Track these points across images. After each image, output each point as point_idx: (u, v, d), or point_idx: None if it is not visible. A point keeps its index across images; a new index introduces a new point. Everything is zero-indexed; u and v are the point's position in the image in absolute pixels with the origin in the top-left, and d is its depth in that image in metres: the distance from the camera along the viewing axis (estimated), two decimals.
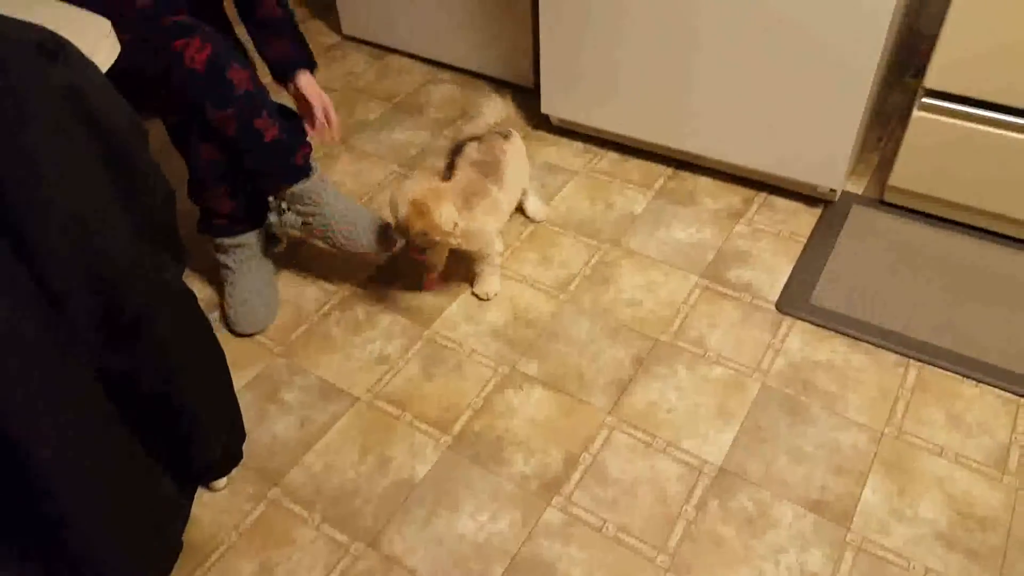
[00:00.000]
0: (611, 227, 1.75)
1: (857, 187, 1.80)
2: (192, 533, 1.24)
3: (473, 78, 2.27)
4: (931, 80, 1.51)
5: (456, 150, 1.61)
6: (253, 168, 1.45)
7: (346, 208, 1.53)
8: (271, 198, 1.61)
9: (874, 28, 1.45)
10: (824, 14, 1.47)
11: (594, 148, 1.98)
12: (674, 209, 1.78)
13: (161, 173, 0.99)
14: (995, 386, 1.36)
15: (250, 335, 1.56)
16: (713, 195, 1.81)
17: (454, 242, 1.49)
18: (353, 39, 2.47)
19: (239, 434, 1.23)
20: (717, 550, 1.17)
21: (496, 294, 1.61)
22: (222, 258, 1.58)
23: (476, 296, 1.60)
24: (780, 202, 1.78)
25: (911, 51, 2.05)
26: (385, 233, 1.55)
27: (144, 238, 0.95)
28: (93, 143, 0.87)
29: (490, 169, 1.53)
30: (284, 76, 1.54)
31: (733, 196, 1.81)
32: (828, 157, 1.65)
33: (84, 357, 0.89)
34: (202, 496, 1.29)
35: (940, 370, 1.40)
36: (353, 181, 1.92)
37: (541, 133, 2.04)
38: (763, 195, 1.80)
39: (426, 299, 1.61)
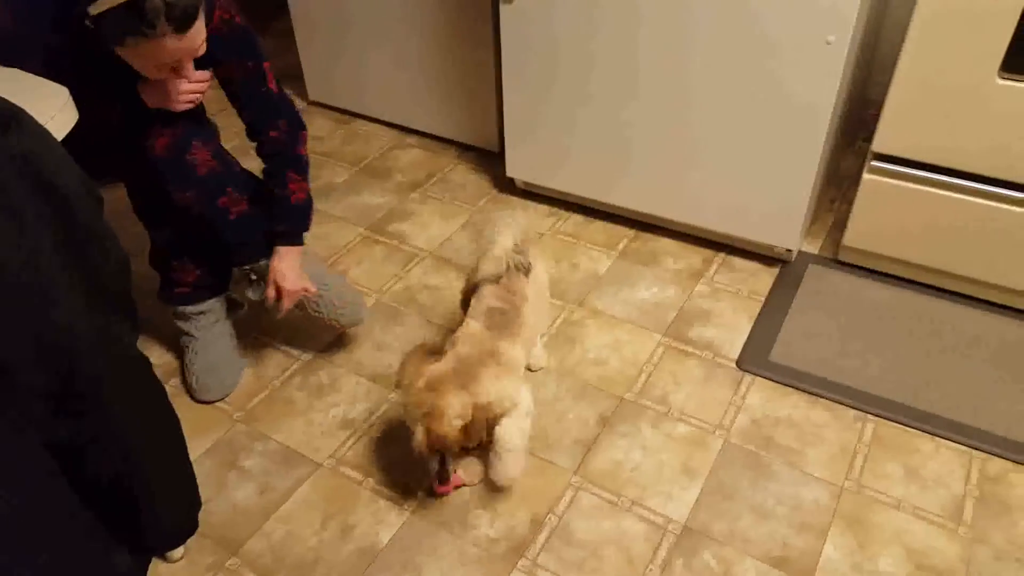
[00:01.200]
0: (576, 287, 1.80)
1: (813, 247, 1.89)
2: None
3: (440, 142, 2.35)
4: (878, 144, 1.61)
5: (472, 291, 1.44)
6: (222, 243, 1.47)
7: (318, 275, 1.54)
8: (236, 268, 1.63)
9: (823, 95, 1.54)
10: (776, 83, 1.57)
11: (559, 211, 2.05)
12: (637, 269, 1.85)
13: (115, 239, 1.01)
14: (949, 439, 1.42)
15: (212, 402, 1.57)
16: (674, 255, 1.88)
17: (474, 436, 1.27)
18: (319, 104, 2.55)
19: (195, 502, 1.23)
20: None
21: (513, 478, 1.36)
22: (183, 325, 1.60)
23: (495, 485, 1.37)
24: (739, 262, 1.85)
25: (862, 116, 2.17)
26: (353, 300, 1.58)
27: (97, 305, 0.96)
28: (44, 210, 0.88)
29: (506, 322, 1.35)
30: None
31: (694, 256, 1.88)
32: (783, 219, 1.73)
33: (32, 428, 0.90)
34: (158, 567, 1.27)
35: (897, 424, 1.45)
36: (321, 244, 1.96)
37: (506, 196, 2.11)
38: (722, 255, 1.88)
39: (391, 366, 1.63)
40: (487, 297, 1.38)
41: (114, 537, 1.05)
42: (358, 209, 2.09)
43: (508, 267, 1.39)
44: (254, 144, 1.44)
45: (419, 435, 1.22)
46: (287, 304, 1.47)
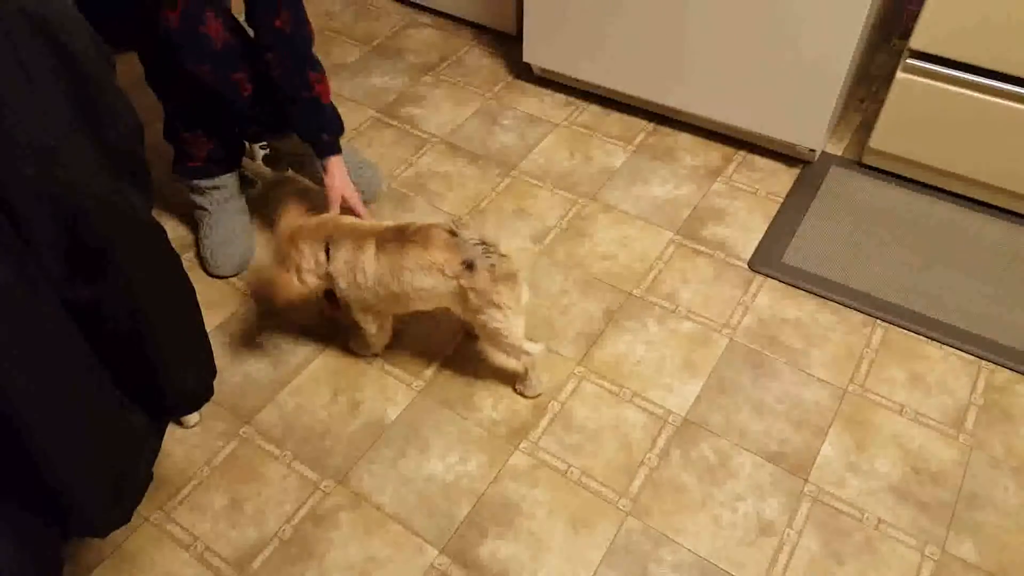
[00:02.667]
0: (589, 181, 1.76)
1: (837, 148, 1.82)
2: (165, 467, 1.26)
3: (454, 22, 2.24)
4: (917, 41, 1.53)
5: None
6: (236, 118, 1.44)
7: (352, 158, 1.51)
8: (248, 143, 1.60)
9: None
10: None
11: (576, 100, 1.98)
12: (653, 165, 1.80)
13: (129, 103, 0.99)
14: (958, 348, 1.41)
15: (226, 277, 1.57)
16: (692, 152, 1.83)
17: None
18: None
19: (210, 369, 1.25)
20: (677, 496, 1.22)
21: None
22: (198, 199, 1.58)
23: (522, 394, 1.38)
24: (759, 161, 1.80)
25: (898, 13, 2.05)
26: (375, 177, 1.54)
27: (110, 169, 0.94)
28: (58, 71, 0.86)
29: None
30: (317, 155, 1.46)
31: (713, 153, 1.82)
32: (809, 116, 1.67)
33: (50, 288, 0.90)
34: (174, 432, 1.31)
35: (905, 331, 1.45)
36: None
37: (522, 83, 2.03)
38: (743, 153, 1.82)
39: None
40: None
41: (131, 398, 1.08)
42: (368, 91, 2.02)
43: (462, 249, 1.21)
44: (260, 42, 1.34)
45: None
46: (362, 211, 1.45)
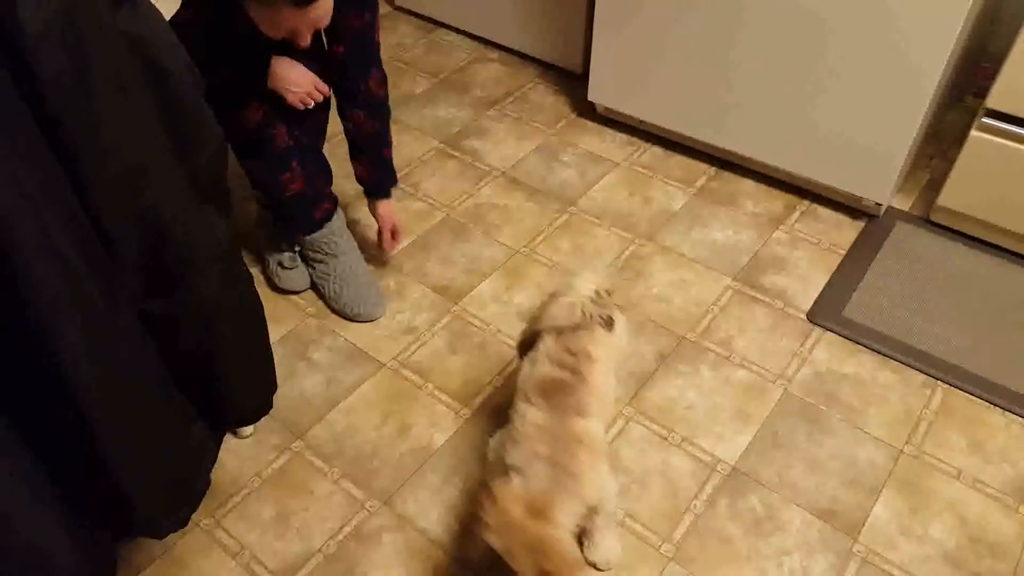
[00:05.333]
0: (647, 222, 1.80)
1: (903, 204, 1.83)
2: (217, 476, 1.32)
3: (521, 59, 2.32)
4: (993, 100, 1.54)
5: (529, 342, 1.22)
6: (272, 209, 1.59)
7: (349, 269, 1.61)
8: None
9: (940, 43, 1.47)
10: (890, 26, 1.50)
11: (638, 141, 2.02)
12: (713, 209, 1.82)
13: (215, 124, 1.05)
14: (1021, 415, 1.40)
15: (293, 293, 1.65)
16: (755, 198, 1.85)
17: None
18: (404, 10, 2.53)
19: (271, 385, 1.31)
20: (722, 547, 1.23)
21: (616, 559, 1.22)
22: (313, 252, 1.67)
23: (594, 566, 1.21)
24: (823, 212, 1.81)
25: (971, 72, 2.05)
26: (376, 301, 1.61)
27: (195, 190, 1.00)
28: (151, 90, 0.92)
29: (569, 395, 1.11)
30: (366, 194, 1.63)
31: (775, 201, 1.84)
32: (877, 170, 1.68)
33: (129, 302, 0.96)
34: (229, 442, 1.37)
35: (967, 395, 1.44)
36: (396, 154, 1.98)
37: (585, 121, 2.08)
38: (806, 203, 1.84)
39: (454, 280, 1.67)
40: (543, 360, 1.15)
41: (195, 408, 1.13)
42: (434, 121, 2.10)
43: (583, 316, 1.15)
44: (347, 99, 1.50)
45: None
46: (397, 241, 1.65)
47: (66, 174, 0.83)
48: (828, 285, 1.64)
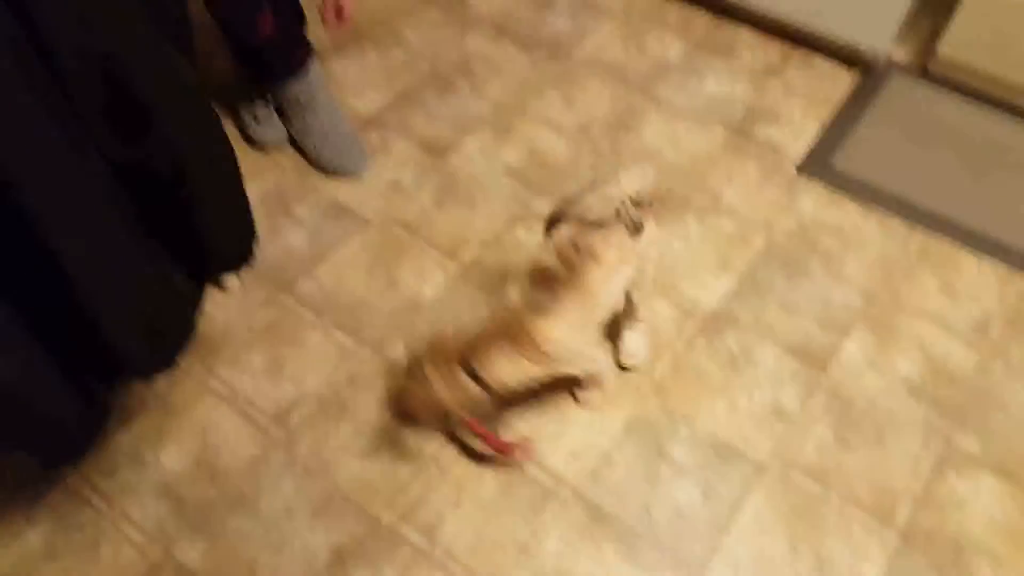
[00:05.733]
0: (642, 73, 1.90)
1: (902, 55, 1.93)
2: (207, 328, 1.49)
3: None
4: None
5: (553, 221, 1.26)
6: (245, 57, 1.65)
7: (328, 122, 1.69)
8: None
9: None
10: None
11: None
12: (708, 59, 1.93)
13: None
14: (993, 258, 1.57)
15: (268, 146, 1.76)
16: (751, 47, 1.95)
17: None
18: None
19: (250, 232, 1.42)
20: (698, 381, 1.42)
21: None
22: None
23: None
24: (819, 62, 1.92)
25: None
26: (359, 156, 1.71)
27: (155, 30, 1.07)
28: None
29: (548, 291, 1.19)
30: None
31: (772, 50, 1.95)
32: (877, 15, 1.77)
33: (96, 147, 1.04)
34: (216, 296, 1.53)
35: (944, 240, 1.61)
36: (374, 2, 2.06)
37: None
38: (803, 52, 1.94)
39: (442, 137, 1.80)
40: (549, 246, 1.22)
41: (175, 257, 1.27)
42: None
43: (615, 213, 1.19)
44: None
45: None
46: (345, 23, 1.59)
47: (15, 18, 0.89)
48: (819, 137, 1.77)
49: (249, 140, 1.77)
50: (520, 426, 1.37)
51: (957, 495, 1.30)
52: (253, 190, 1.66)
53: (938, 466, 1.33)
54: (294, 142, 1.77)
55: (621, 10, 2.04)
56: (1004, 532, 1.27)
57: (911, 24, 1.98)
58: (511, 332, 1.15)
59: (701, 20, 2.02)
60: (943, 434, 1.37)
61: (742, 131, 1.79)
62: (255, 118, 1.74)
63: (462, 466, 1.33)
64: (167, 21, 1.12)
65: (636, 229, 1.20)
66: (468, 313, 1.51)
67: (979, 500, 1.30)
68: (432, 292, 1.54)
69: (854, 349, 1.46)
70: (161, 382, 1.42)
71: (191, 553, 1.25)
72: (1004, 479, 1.32)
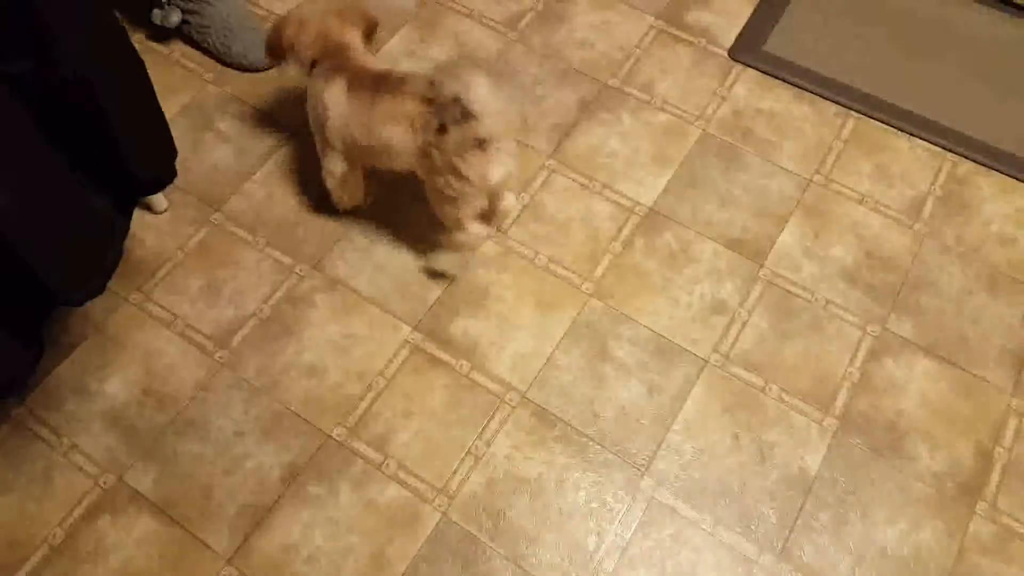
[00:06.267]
0: None
1: None
2: (138, 253, 1.37)
3: None
4: None
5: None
6: None
7: (231, 14, 1.51)
8: None
9: None
10: None
11: None
12: None
13: None
14: (926, 140, 1.50)
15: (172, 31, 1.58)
16: None
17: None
18: None
19: (169, 149, 1.30)
20: (638, 280, 1.35)
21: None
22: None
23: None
24: None
25: None
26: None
27: None
28: None
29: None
30: None
31: None
32: None
33: None
34: (144, 218, 1.40)
35: (877, 122, 1.52)
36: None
37: None
38: None
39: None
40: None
41: (93, 181, 1.14)
42: None
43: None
44: None
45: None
46: None
47: None
48: (750, 20, 1.65)
49: (154, 29, 1.59)
50: (463, 330, 1.29)
51: (893, 378, 1.28)
52: (171, 105, 1.52)
53: (873, 351, 1.30)
54: (198, 45, 1.59)
55: None
56: (938, 412, 1.25)
57: None
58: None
59: None
60: (878, 318, 1.33)
61: (674, 18, 1.65)
62: (159, 4, 1.56)
63: (410, 377, 1.26)
64: None
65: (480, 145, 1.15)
66: (403, 223, 1.40)
67: (913, 382, 1.27)
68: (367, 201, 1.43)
69: (790, 239, 1.40)
70: (98, 311, 1.32)
71: (144, 480, 1.18)
72: (936, 360, 1.30)
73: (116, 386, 1.26)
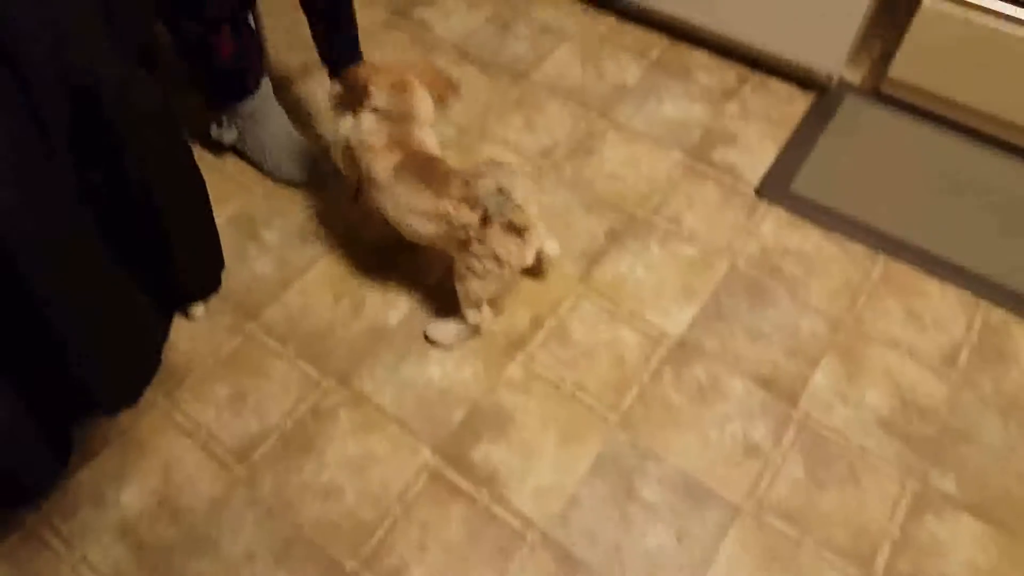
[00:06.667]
0: (601, 96, 1.62)
1: (855, 76, 1.67)
2: (170, 357, 1.21)
3: None
4: None
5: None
6: (201, 79, 1.37)
7: (283, 135, 1.43)
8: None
9: None
10: None
11: (592, 11, 1.81)
12: (666, 82, 1.65)
13: None
14: (957, 285, 1.33)
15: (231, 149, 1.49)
16: (708, 70, 1.68)
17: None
18: None
19: (218, 260, 1.19)
20: (666, 414, 1.16)
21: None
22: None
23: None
24: (775, 84, 1.66)
25: None
26: (312, 167, 1.44)
27: (122, 52, 0.87)
28: None
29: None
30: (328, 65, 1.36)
31: (728, 73, 1.67)
32: (829, 39, 1.52)
33: (64, 169, 0.84)
34: (180, 324, 1.25)
35: (907, 265, 1.36)
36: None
37: None
38: (759, 75, 1.67)
39: None
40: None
41: (141, 285, 1.02)
42: None
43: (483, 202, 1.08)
44: None
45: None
46: None
47: None
48: (777, 160, 1.51)
49: (212, 144, 1.48)
50: (484, 456, 1.10)
51: (936, 538, 1.06)
52: (221, 214, 1.38)
53: (915, 506, 1.08)
54: (249, 159, 1.48)
55: (579, 34, 1.75)
56: None
57: (863, 46, 1.73)
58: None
59: (658, 44, 1.73)
60: (918, 472, 1.12)
61: (701, 154, 1.52)
62: (216, 124, 1.46)
63: (428, 505, 1.06)
64: (135, 41, 0.91)
65: (507, 223, 1.09)
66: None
67: (959, 543, 1.06)
68: (397, 317, 1.27)
69: (823, 380, 1.21)
70: (124, 416, 1.16)
71: None
72: (983, 520, 1.08)
73: (132, 495, 1.08)
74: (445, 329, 1.23)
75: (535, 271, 1.27)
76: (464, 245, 1.11)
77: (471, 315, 1.20)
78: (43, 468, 1.00)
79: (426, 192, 1.11)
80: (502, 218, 1.06)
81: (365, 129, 1.16)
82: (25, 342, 0.86)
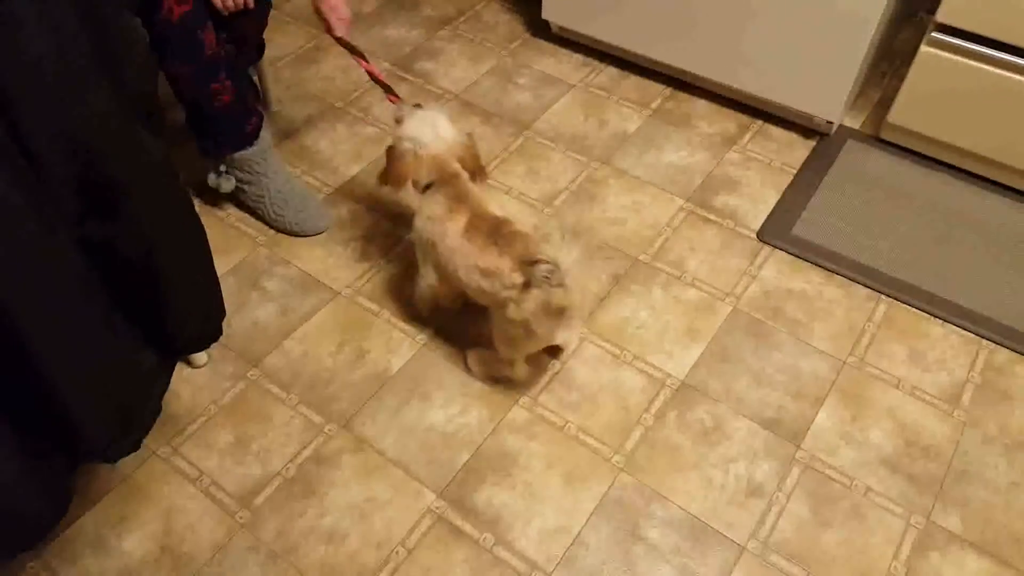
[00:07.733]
0: (602, 145, 1.78)
1: (855, 122, 1.84)
2: (173, 405, 1.32)
3: None
4: (944, 14, 1.53)
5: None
6: (199, 127, 1.52)
7: (284, 185, 1.58)
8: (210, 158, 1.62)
9: None
10: None
11: (593, 61, 1.99)
12: (667, 131, 1.82)
13: (145, 41, 1.01)
14: (960, 326, 1.45)
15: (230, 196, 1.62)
16: (708, 119, 1.84)
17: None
18: None
19: (219, 310, 1.29)
20: (671, 456, 1.27)
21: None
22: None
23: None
24: (776, 131, 1.82)
25: None
26: (318, 214, 1.59)
27: (125, 108, 0.96)
28: (76, 4, 0.88)
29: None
30: None
31: (729, 122, 1.84)
32: (828, 88, 1.68)
33: (65, 224, 0.93)
34: (183, 372, 1.37)
35: (909, 307, 1.48)
36: (343, 78, 1.93)
37: (540, 41, 2.04)
38: (759, 123, 1.84)
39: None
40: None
41: (141, 336, 1.12)
42: (384, 42, 2.04)
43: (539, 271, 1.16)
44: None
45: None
46: (344, 31, 1.49)
47: None
48: (778, 204, 1.66)
49: (210, 193, 1.63)
50: (488, 499, 1.20)
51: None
52: (223, 265, 1.52)
53: (920, 545, 1.18)
54: (252, 211, 1.62)
55: (580, 83, 1.92)
56: None
57: (863, 92, 1.89)
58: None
59: (658, 93, 1.91)
60: (922, 510, 1.22)
61: (702, 201, 1.67)
62: (215, 172, 1.60)
63: (431, 549, 1.16)
64: (137, 98, 1.01)
65: (548, 279, 1.16)
66: (435, 384, 1.35)
67: None
68: (399, 363, 1.38)
69: (826, 420, 1.32)
70: (126, 462, 1.25)
71: None
72: (988, 557, 1.17)
73: (134, 542, 1.18)
74: (483, 366, 1.37)
75: (549, 350, 1.37)
76: (502, 304, 1.21)
77: (505, 369, 1.33)
78: (43, 514, 1.08)
79: (492, 251, 1.21)
80: (545, 293, 1.15)
81: (425, 211, 1.31)
82: (24, 390, 0.94)
